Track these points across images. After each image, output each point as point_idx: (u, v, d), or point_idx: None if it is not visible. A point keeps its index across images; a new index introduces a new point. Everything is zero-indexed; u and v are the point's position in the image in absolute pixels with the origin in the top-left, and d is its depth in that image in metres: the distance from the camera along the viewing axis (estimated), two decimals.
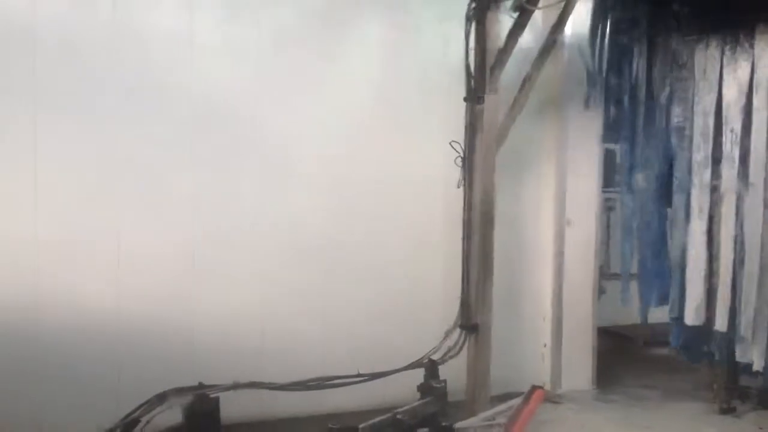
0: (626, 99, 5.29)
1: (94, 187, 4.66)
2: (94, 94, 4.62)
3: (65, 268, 4.57)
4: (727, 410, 5.58)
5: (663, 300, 5.49)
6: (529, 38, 5.26)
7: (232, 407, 4.22)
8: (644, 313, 5.65)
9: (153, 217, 4.80)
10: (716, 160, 4.68)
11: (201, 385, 4.19)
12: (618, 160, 5.82)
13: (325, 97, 5.20)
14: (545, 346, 5.96)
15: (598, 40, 5.38)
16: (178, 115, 4.83)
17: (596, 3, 5.30)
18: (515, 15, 4.92)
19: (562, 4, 5.13)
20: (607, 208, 7.36)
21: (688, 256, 5.08)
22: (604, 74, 5.38)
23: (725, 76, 4.78)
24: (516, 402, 5.01)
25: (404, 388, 4.91)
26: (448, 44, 5.07)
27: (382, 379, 4.82)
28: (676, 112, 4.79)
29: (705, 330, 5.25)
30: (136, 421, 4.01)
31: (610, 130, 5.71)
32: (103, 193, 4.67)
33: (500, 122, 5.12)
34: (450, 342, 5.08)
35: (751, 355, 4.90)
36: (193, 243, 4.89)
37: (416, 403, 4.79)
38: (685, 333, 5.30)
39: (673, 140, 4.83)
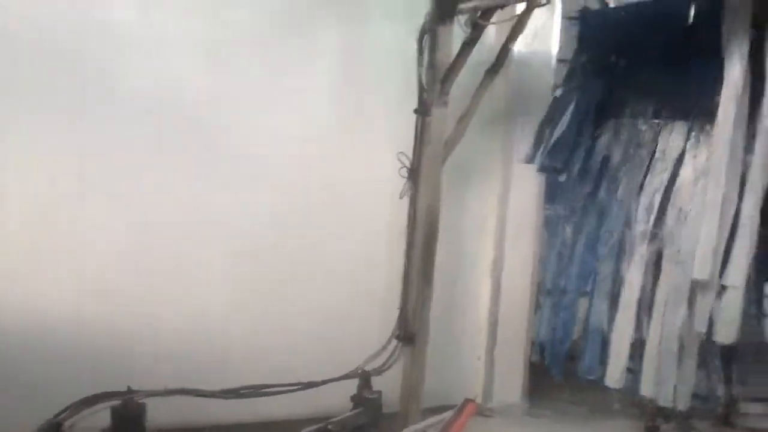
0: (577, 168, 5.28)
1: (47, 186, 4.55)
2: (46, 92, 4.48)
3: (19, 269, 4.47)
4: (652, 428, 5.70)
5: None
6: (482, 53, 5.25)
7: (163, 413, 4.13)
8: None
9: (105, 218, 4.71)
10: (654, 235, 4.71)
11: (130, 390, 4.10)
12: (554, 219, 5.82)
13: (280, 102, 5.12)
14: (479, 359, 5.99)
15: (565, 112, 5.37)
16: (131, 114, 4.71)
17: (566, 83, 5.31)
18: (468, 30, 4.94)
19: (515, 20, 5.18)
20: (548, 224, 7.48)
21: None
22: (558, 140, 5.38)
23: (685, 160, 4.84)
24: (448, 415, 5.04)
25: (340, 398, 4.89)
26: (402, 56, 5.01)
27: (317, 389, 4.79)
28: (625, 185, 4.84)
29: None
30: (59, 425, 3.90)
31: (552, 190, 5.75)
32: (56, 192, 4.57)
33: (448, 135, 5.14)
34: (387, 353, 5.09)
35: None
36: (138, 245, 4.80)
37: (348, 414, 4.78)
38: None
39: (615, 211, 4.90)
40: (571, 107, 5.25)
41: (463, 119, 5.22)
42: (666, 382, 4.77)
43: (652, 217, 4.55)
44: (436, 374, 5.33)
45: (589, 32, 5.25)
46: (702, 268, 4.33)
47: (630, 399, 6.04)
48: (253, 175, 5.08)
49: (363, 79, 5.36)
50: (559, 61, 6.03)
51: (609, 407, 6.07)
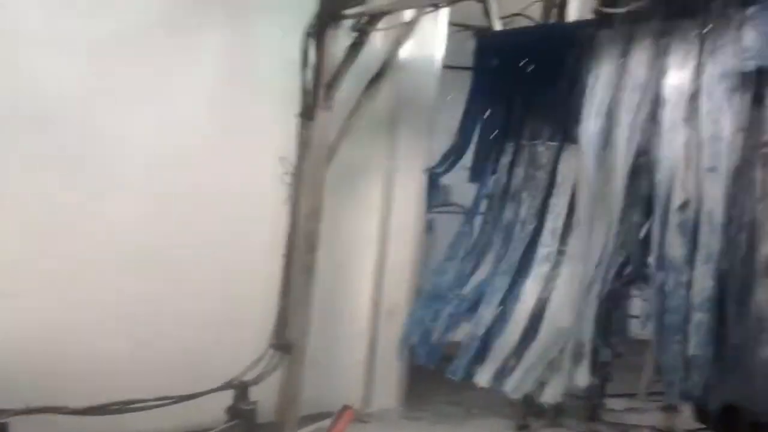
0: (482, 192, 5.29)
1: None
2: None
3: None
4: (523, 427, 5.85)
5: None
6: (368, 58, 5.18)
7: None
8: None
9: None
10: (559, 256, 4.75)
11: None
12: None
13: (157, 104, 4.89)
14: (359, 364, 5.97)
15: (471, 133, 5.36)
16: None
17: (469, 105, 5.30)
18: (354, 35, 4.87)
19: (401, 27, 5.15)
20: (428, 228, 7.52)
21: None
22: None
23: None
24: (326, 423, 5.01)
25: (215, 411, 4.75)
26: (287, 59, 4.88)
27: (191, 402, 4.62)
28: (527, 207, 4.87)
29: None
30: None
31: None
32: None
33: (332, 140, 5.06)
34: (265, 362, 4.98)
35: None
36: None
37: (222, 427, 4.66)
38: None
39: (517, 232, 4.93)
40: (477, 131, 5.27)
41: (348, 124, 5.16)
42: (539, 380, 4.86)
43: (557, 240, 4.60)
44: (316, 381, 5.28)
45: (486, 54, 5.26)
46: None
47: (504, 398, 6.21)
48: (125, 179, 4.83)
49: (246, 81, 5.18)
50: (445, 67, 6.06)
51: (485, 407, 6.20)
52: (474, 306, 4.88)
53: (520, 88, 4.91)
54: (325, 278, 5.33)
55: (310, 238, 5.00)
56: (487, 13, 5.61)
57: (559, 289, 4.52)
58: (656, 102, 4.02)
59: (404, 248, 6.00)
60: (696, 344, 3.72)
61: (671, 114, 3.93)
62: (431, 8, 5.01)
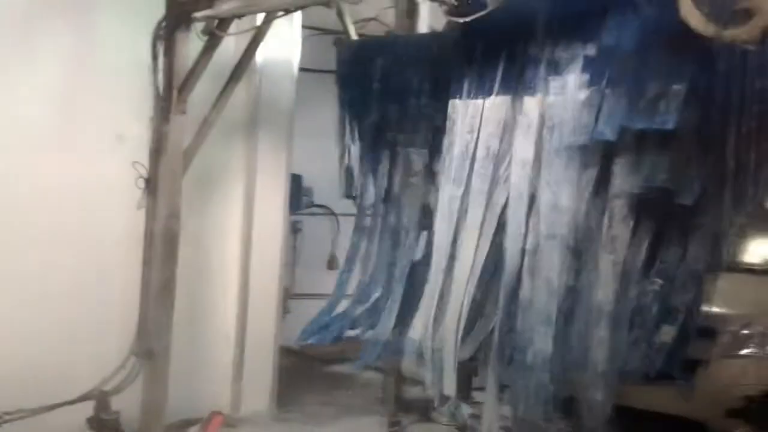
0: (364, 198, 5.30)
1: None
2: None
3: None
4: (394, 423, 5.97)
5: None
6: (223, 61, 5.18)
7: None
8: None
9: None
10: (450, 263, 4.82)
11: None
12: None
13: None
14: (227, 368, 5.93)
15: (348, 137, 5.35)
16: None
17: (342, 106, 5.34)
18: (205, 37, 4.86)
19: (253, 32, 5.17)
20: (295, 230, 7.58)
21: None
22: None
23: None
24: (194, 430, 4.96)
25: (75, 423, 4.65)
26: (139, 62, 4.83)
27: (51, 414, 4.49)
28: (407, 214, 4.96)
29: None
30: None
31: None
32: None
33: (187, 144, 5.03)
34: (127, 370, 4.89)
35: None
36: None
37: None
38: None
39: (402, 239, 4.98)
40: (356, 140, 5.32)
41: (204, 127, 5.14)
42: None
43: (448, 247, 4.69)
44: (183, 388, 5.18)
45: (350, 63, 5.33)
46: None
47: (376, 397, 6.33)
48: None
49: (95, 83, 5.09)
50: (302, 69, 6.13)
51: (356, 406, 6.29)
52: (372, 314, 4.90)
53: (388, 96, 4.99)
54: (189, 283, 5.29)
55: (169, 243, 4.94)
56: (341, 17, 5.72)
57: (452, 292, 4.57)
58: (505, 167, 4.20)
59: (269, 250, 6.01)
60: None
61: (517, 182, 4.11)
62: (281, 12, 5.05)
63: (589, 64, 3.78)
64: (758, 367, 4.99)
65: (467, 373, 5.03)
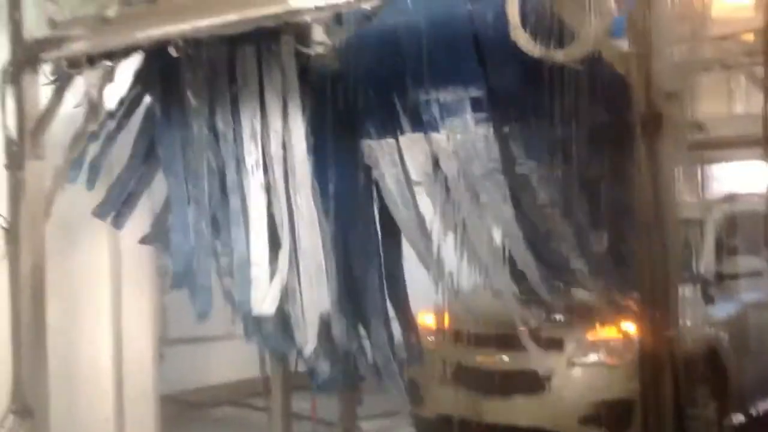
0: None
1: None
2: None
3: None
4: None
5: None
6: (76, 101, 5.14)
7: None
8: None
9: None
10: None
11: None
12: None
13: None
14: (107, 421, 5.74)
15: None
16: None
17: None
18: (55, 79, 4.82)
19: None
20: (165, 272, 7.45)
21: None
22: None
23: None
24: None
25: None
26: None
27: None
28: None
29: None
30: None
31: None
32: None
33: (48, 189, 4.95)
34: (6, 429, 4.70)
35: None
36: None
37: None
38: None
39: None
40: None
41: (62, 173, 5.06)
42: None
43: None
44: None
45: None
46: None
47: None
48: None
49: None
50: None
51: None
52: None
53: None
54: (61, 332, 5.14)
55: (36, 294, 4.83)
56: None
57: None
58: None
59: (141, 295, 5.91)
60: None
61: None
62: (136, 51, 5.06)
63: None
64: (605, 373, 5.23)
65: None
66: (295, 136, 4.50)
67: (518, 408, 5.35)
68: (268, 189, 4.60)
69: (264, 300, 4.47)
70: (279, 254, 4.55)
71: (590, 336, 5.36)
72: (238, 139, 4.64)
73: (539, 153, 4.05)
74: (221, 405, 7.25)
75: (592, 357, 5.37)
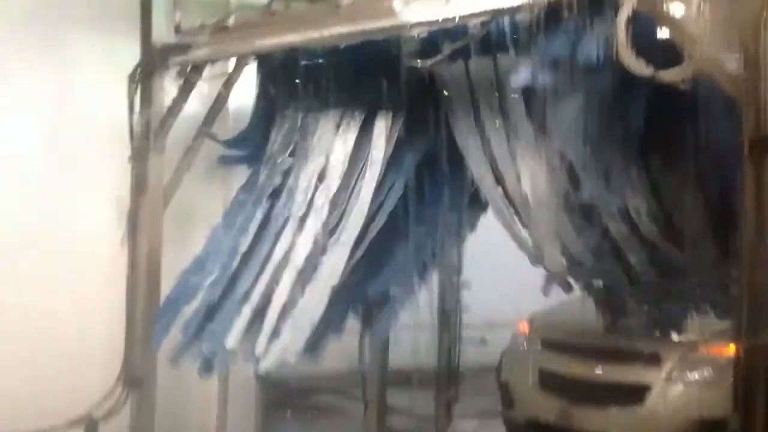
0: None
1: None
2: None
3: None
4: None
5: None
6: (197, 102, 5.49)
7: None
8: None
9: None
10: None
11: None
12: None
13: None
14: (212, 399, 6.07)
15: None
16: None
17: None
18: (180, 82, 5.16)
19: (225, 77, 5.47)
20: None
21: None
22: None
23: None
24: None
25: None
26: (118, 103, 5.13)
27: None
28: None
29: None
30: None
31: None
32: None
33: (166, 182, 5.30)
34: (114, 399, 5.06)
35: None
36: None
37: None
38: None
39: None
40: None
41: (182, 166, 5.41)
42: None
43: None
44: (170, 417, 5.39)
45: None
46: None
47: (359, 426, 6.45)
48: None
49: (73, 126, 5.38)
50: None
51: None
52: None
53: None
54: None
55: (152, 277, 5.20)
56: None
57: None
58: None
59: None
60: None
61: None
62: (252, 59, 5.33)
63: None
64: (705, 391, 5.07)
65: None
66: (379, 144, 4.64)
67: (610, 420, 5.29)
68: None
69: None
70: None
71: (692, 352, 5.25)
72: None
73: None
74: (321, 393, 7.47)
75: (693, 374, 5.25)
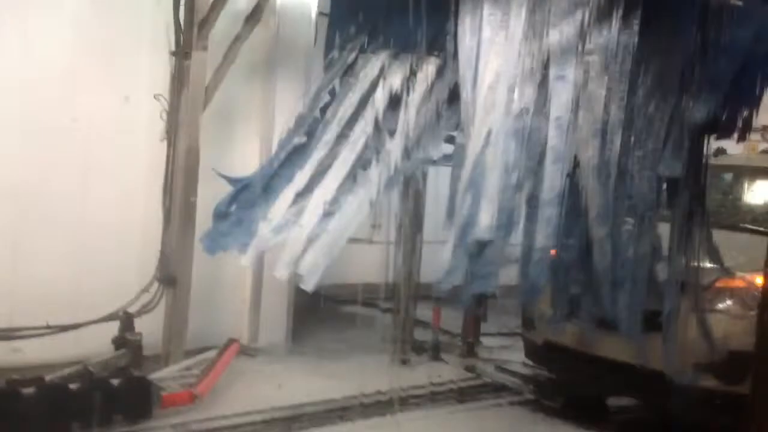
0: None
1: None
2: None
3: None
4: (404, 362, 6.17)
5: None
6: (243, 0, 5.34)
7: None
8: None
9: None
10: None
11: None
12: None
13: (25, 40, 4.92)
14: (244, 302, 6.13)
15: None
16: None
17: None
18: None
19: None
20: None
21: None
22: None
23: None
24: (211, 354, 5.17)
25: (100, 342, 4.84)
26: None
27: (76, 332, 4.73)
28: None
29: None
30: None
31: None
32: None
33: (208, 80, 5.20)
34: (149, 295, 5.11)
35: None
36: None
37: (109, 356, 4.76)
38: None
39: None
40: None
41: (224, 64, 5.30)
42: None
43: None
44: (201, 316, 5.41)
45: None
46: None
47: (387, 336, 6.52)
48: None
49: (114, 17, 5.23)
50: (320, 14, 6.25)
51: (367, 344, 6.48)
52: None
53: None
54: (208, 216, 5.46)
55: (189, 174, 5.15)
56: None
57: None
58: None
59: None
60: None
61: None
62: None
63: None
64: (730, 323, 4.89)
65: None
66: None
67: (629, 344, 5.22)
68: None
69: None
70: None
71: (717, 283, 5.13)
72: None
73: None
74: (352, 303, 7.52)
75: (717, 304, 5.14)
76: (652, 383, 4.78)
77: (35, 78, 4.95)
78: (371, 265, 7.31)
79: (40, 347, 4.62)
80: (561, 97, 4.24)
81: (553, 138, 4.25)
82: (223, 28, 5.22)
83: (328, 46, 5.10)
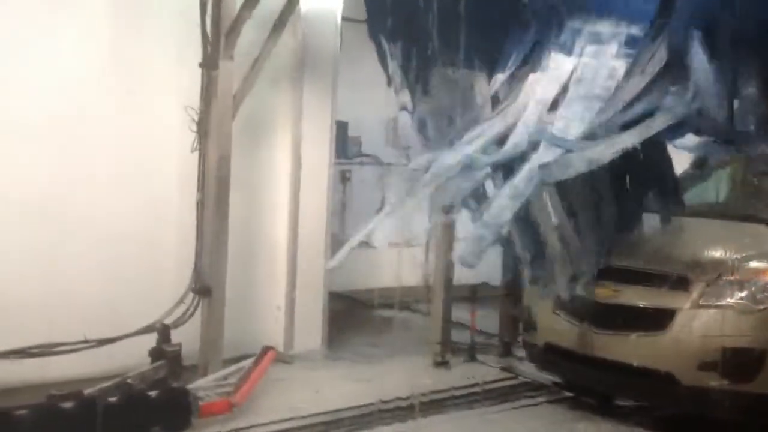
0: None
1: None
2: None
3: None
4: (441, 363, 6.14)
5: None
6: (268, 8, 5.34)
7: None
8: None
9: None
10: None
11: None
12: None
13: (53, 54, 4.98)
14: (279, 308, 6.16)
15: None
16: None
17: None
18: None
19: None
20: (344, 179, 7.76)
21: None
22: None
23: None
24: (248, 363, 5.19)
25: (137, 354, 4.89)
26: (187, 7, 5.03)
27: (112, 345, 4.77)
28: None
29: None
30: None
31: None
32: None
33: (236, 89, 5.21)
34: (184, 306, 5.15)
35: None
36: None
37: (147, 368, 4.79)
38: None
39: None
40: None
41: (252, 74, 5.32)
42: None
43: None
44: (237, 325, 5.44)
45: None
46: None
47: (422, 338, 6.49)
48: (27, 131, 4.88)
49: (142, 30, 5.28)
50: (344, 19, 6.25)
51: (402, 347, 6.46)
52: None
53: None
54: (241, 224, 5.52)
55: (221, 184, 5.17)
56: None
57: None
58: None
59: (316, 194, 6.18)
60: None
61: None
62: None
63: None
64: (735, 318, 4.76)
65: None
66: None
67: (631, 345, 5.10)
68: None
69: None
70: None
71: (720, 279, 5.00)
72: None
73: None
74: (387, 307, 7.49)
75: (722, 300, 5.00)
76: (654, 384, 4.75)
77: (66, 94, 5.00)
78: (404, 269, 7.30)
79: (74, 362, 4.66)
80: None
81: None
82: (250, 37, 5.23)
83: None
